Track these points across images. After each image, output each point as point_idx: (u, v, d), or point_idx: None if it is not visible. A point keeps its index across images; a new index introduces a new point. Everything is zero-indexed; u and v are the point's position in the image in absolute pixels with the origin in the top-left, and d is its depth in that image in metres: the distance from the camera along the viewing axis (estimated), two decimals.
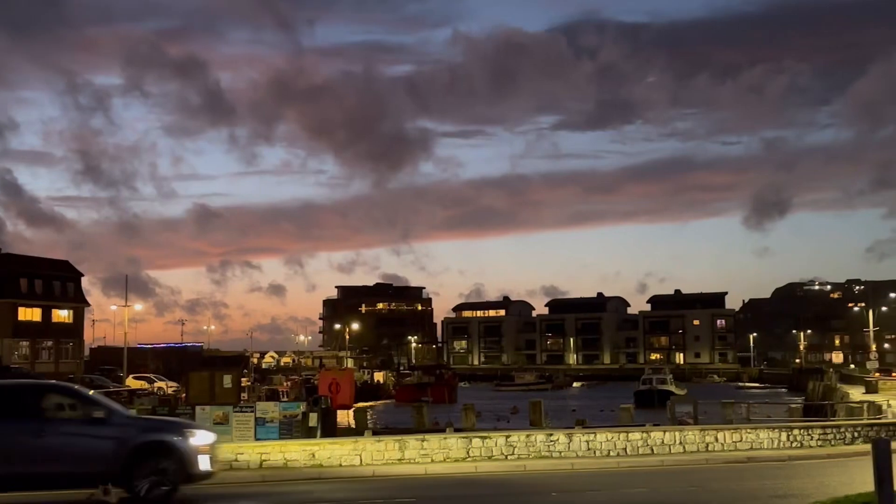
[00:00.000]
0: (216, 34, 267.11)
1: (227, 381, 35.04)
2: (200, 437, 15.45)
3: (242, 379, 68.44)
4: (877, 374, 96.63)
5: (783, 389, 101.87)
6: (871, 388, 71.96)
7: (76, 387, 17.49)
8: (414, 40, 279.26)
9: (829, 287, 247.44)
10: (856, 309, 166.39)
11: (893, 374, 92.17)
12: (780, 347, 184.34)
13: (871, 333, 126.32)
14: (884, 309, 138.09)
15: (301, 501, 16.67)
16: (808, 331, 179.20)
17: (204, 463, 15.28)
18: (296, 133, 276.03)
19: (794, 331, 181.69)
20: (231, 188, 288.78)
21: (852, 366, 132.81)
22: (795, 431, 25.05)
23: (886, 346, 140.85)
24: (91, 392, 17.53)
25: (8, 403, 15.06)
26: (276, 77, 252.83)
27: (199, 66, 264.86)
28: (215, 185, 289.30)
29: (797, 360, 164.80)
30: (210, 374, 36.93)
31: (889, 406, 46.61)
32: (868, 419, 35.65)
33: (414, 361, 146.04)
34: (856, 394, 65.70)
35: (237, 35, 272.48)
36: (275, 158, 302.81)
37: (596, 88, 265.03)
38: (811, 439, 24.54)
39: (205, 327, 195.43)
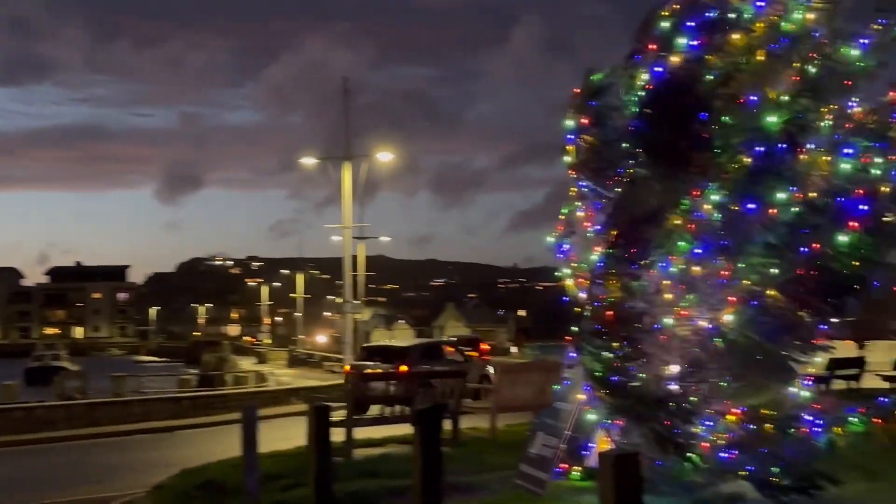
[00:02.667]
0: None
1: None
2: None
3: None
4: (251, 340, 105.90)
5: (181, 362, 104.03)
6: (262, 359, 77.35)
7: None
8: None
9: (230, 262, 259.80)
10: (252, 284, 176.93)
11: (256, 340, 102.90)
12: (182, 321, 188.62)
13: (265, 307, 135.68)
14: (277, 284, 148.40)
15: None
16: (209, 305, 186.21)
17: None
18: None
19: (194, 305, 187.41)
20: None
21: (246, 338, 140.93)
22: (183, 402, 26.05)
23: (279, 318, 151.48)
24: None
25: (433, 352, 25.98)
26: None
27: None
28: None
29: (196, 333, 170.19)
30: None
31: (273, 374, 50.55)
32: (253, 388, 38.22)
33: None
34: (248, 364, 69.77)
35: None
36: None
37: (3, 41, 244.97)
38: (196, 409, 25.64)
39: None
